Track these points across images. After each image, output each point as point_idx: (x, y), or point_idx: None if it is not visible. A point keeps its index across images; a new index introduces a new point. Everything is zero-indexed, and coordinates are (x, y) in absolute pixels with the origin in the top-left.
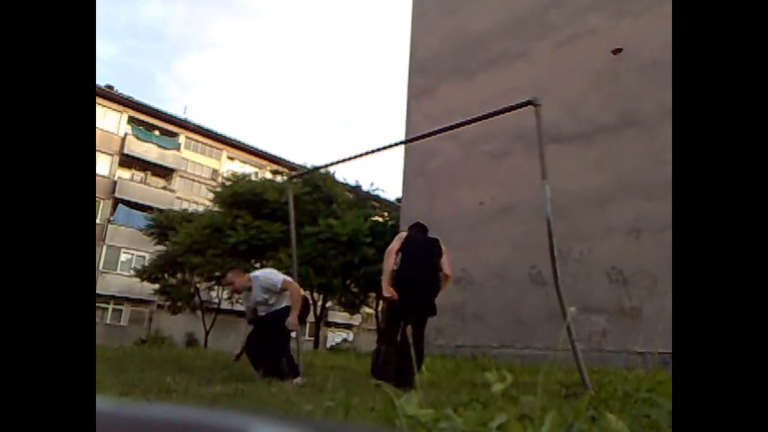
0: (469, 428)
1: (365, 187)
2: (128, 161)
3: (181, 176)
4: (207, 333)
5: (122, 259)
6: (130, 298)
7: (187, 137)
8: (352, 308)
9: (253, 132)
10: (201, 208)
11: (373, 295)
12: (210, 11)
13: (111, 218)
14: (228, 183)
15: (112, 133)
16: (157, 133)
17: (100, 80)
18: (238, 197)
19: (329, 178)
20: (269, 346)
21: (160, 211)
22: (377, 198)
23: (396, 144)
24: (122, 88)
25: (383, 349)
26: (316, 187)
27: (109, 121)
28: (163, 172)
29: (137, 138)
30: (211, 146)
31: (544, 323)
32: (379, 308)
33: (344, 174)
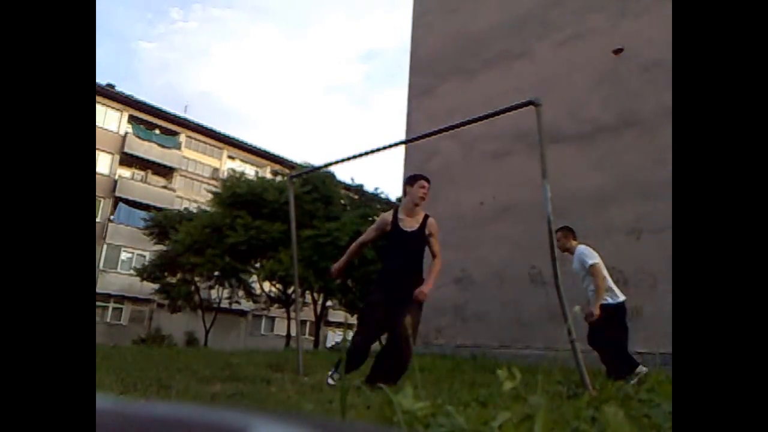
0: (470, 427)
1: (367, 188)
2: (129, 160)
3: (182, 175)
4: (207, 332)
5: (122, 258)
6: (131, 297)
7: (187, 136)
8: (352, 308)
9: (253, 131)
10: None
11: None
12: (211, 10)
13: (111, 217)
14: (227, 183)
15: (112, 131)
16: (157, 131)
17: (101, 78)
18: (237, 198)
19: (329, 178)
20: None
21: (159, 210)
22: (378, 198)
23: (396, 144)
24: (123, 87)
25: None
26: (315, 188)
27: (109, 119)
28: (164, 170)
29: (138, 137)
30: (211, 145)
31: (544, 323)
32: None
33: (345, 174)
